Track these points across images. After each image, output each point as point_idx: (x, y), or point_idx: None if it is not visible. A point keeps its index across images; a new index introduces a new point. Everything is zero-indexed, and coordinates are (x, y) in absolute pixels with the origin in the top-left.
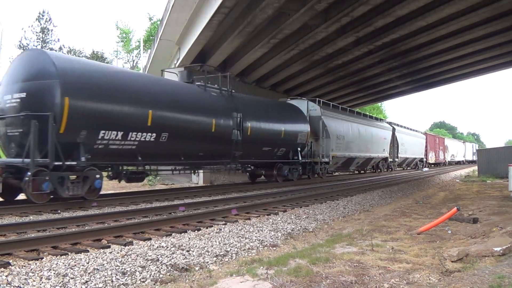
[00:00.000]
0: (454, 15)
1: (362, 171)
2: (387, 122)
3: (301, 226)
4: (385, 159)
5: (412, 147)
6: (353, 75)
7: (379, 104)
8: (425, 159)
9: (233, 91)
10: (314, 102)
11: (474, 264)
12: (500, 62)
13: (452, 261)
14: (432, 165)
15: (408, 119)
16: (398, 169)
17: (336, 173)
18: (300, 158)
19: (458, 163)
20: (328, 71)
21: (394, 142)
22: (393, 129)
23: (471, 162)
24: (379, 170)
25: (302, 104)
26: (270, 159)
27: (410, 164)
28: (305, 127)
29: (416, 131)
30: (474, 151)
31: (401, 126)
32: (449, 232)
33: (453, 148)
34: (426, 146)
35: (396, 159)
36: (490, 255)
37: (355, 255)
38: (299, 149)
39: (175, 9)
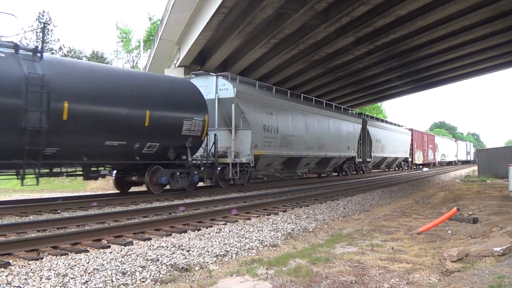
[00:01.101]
0: (454, 15)
1: (322, 174)
2: (357, 114)
3: (301, 226)
4: (352, 158)
5: (392, 144)
6: (353, 75)
7: (379, 104)
8: (410, 159)
9: (43, 52)
10: (226, 79)
11: (474, 264)
12: (500, 62)
13: (452, 261)
14: (421, 166)
15: (408, 119)
16: (375, 171)
17: (274, 180)
18: (189, 158)
19: (449, 163)
20: (328, 71)
21: (366, 138)
22: (364, 122)
23: (465, 163)
24: (343, 173)
25: (209, 81)
26: (129, 159)
27: (391, 164)
28: (199, 113)
29: (399, 125)
30: (469, 150)
31: (378, 120)
32: (449, 232)
33: (443, 147)
34: (412, 144)
35: (369, 159)
36: (490, 255)
37: (355, 255)
38: (187, 144)
39: (175, 9)
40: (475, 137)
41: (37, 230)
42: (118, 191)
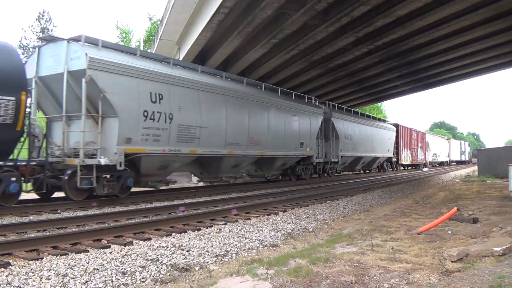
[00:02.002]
0: (454, 15)
1: (267, 178)
2: (319, 103)
3: (301, 226)
4: (306, 159)
5: (369, 142)
6: (353, 75)
7: (379, 104)
8: (395, 159)
9: None
10: (80, 44)
11: (474, 264)
12: (500, 62)
13: (452, 261)
14: (409, 167)
15: (408, 119)
16: (348, 174)
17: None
18: None
19: (441, 164)
20: (328, 71)
21: (330, 134)
22: (326, 114)
23: (460, 163)
24: (297, 177)
25: (59, 49)
26: None
27: (369, 166)
28: (4, 89)
29: (381, 120)
30: (463, 149)
31: (347, 111)
32: (449, 232)
33: (435, 146)
34: (397, 142)
35: (335, 159)
36: (490, 255)
37: (355, 255)
38: None
39: (175, 9)
40: (475, 137)
41: (37, 230)
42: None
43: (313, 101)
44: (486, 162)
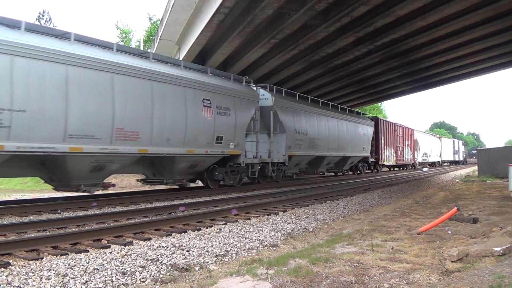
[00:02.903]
0: (454, 15)
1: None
2: (259, 86)
3: (301, 226)
4: (230, 158)
5: (335, 138)
6: (353, 75)
7: (379, 104)
8: (373, 159)
9: None
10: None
11: (474, 264)
12: (500, 62)
13: (452, 261)
14: (395, 169)
15: (408, 119)
16: (308, 177)
17: None
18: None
19: (433, 164)
20: (328, 71)
21: (274, 127)
22: (266, 101)
23: (453, 163)
24: (218, 182)
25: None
26: None
27: (339, 166)
28: None
29: (353, 112)
30: (457, 149)
31: (302, 99)
32: (449, 232)
33: (426, 144)
34: (376, 140)
35: (278, 160)
36: (490, 255)
37: (355, 255)
38: None
39: (175, 9)
40: (475, 137)
41: (37, 230)
42: (118, 191)
43: (244, 82)
44: (486, 162)
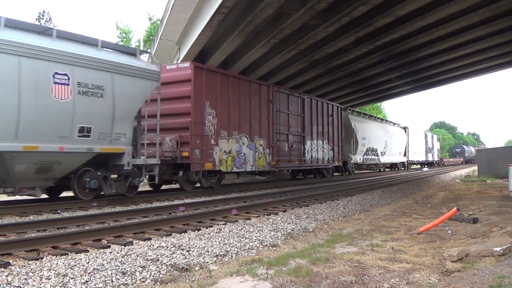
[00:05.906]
0: (454, 15)
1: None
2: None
3: (301, 226)
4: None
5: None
6: (353, 75)
7: (379, 104)
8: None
9: None
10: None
11: (474, 264)
12: (500, 62)
13: (452, 261)
14: (423, 166)
15: (408, 119)
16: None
17: None
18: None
19: (393, 167)
20: (328, 71)
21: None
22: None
23: (426, 165)
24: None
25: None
26: None
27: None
28: None
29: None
30: (431, 146)
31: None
32: (449, 232)
33: (372, 134)
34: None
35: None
36: (490, 255)
37: (355, 255)
38: None
39: (175, 9)
40: (475, 137)
41: (37, 230)
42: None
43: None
44: (486, 162)
